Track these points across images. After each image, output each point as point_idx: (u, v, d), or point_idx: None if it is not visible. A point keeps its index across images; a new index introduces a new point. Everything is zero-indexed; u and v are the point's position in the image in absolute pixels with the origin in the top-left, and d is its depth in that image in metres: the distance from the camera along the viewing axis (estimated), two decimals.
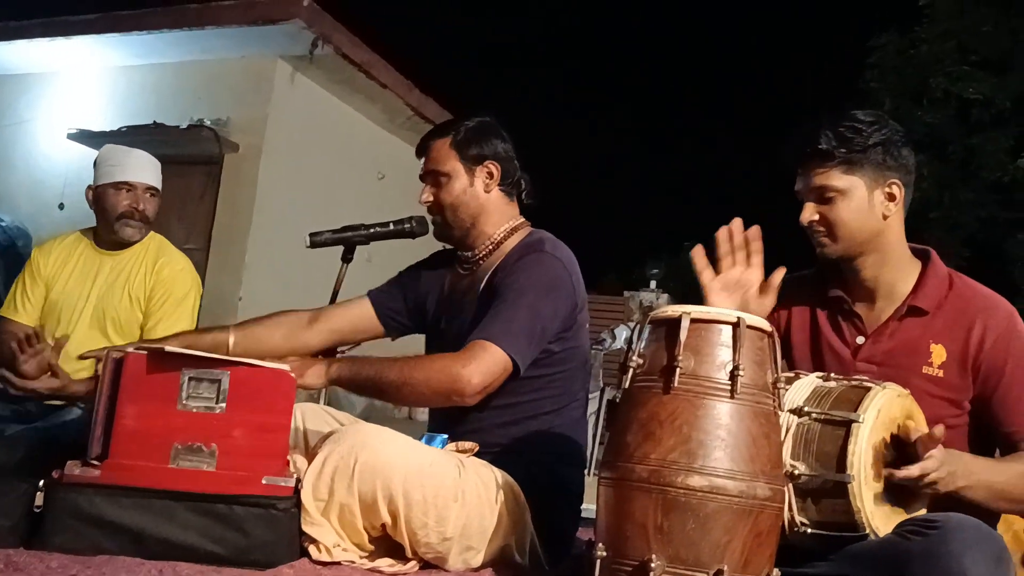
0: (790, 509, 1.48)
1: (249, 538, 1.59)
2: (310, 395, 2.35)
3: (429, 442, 1.85)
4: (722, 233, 1.78)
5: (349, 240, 2.37)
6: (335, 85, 7.67)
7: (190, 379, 1.63)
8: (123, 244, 2.69)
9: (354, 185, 7.99)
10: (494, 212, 2.10)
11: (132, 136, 6.64)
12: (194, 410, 1.62)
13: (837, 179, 1.73)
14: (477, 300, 2.03)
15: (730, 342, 1.39)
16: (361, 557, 1.69)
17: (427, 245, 2.31)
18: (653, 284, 10.01)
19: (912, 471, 1.43)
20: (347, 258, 2.46)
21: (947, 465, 1.47)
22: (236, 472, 1.61)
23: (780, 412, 1.44)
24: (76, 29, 7.33)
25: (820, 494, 1.48)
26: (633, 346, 1.46)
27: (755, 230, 1.79)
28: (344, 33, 7.08)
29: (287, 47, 7.03)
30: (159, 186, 2.75)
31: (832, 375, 1.64)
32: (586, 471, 2.17)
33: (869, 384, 1.55)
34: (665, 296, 9.59)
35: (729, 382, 1.37)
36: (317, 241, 2.33)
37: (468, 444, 1.86)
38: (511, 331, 1.87)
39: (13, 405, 2.42)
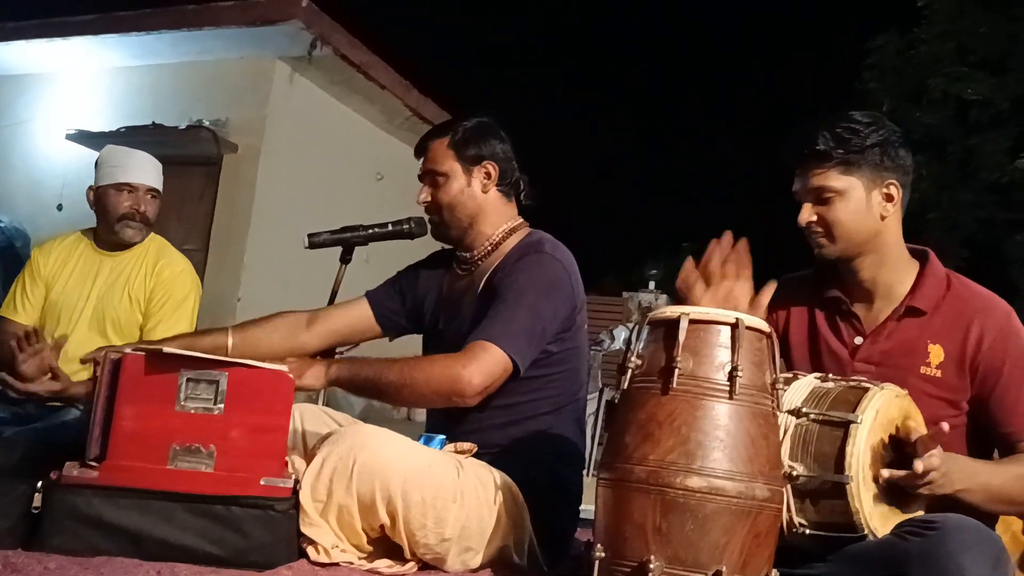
0: (788, 510, 1.48)
1: (247, 539, 1.59)
2: (308, 396, 2.35)
3: (427, 443, 1.85)
4: (712, 246, 1.76)
5: (348, 241, 2.37)
6: (334, 86, 7.67)
7: (188, 380, 1.63)
8: (123, 245, 2.69)
9: (353, 186, 7.99)
10: (492, 212, 2.10)
11: (131, 137, 6.64)
12: (192, 411, 1.62)
13: (835, 180, 1.74)
14: (476, 301, 2.03)
15: (729, 343, 1.39)
16: (360, 558, 1.69)
17: (426, 246, 2.31)
18: (652, 285, 10.01)
19: (916, 466, 1.42)
20: (346, 259, 2.46)
21: (944, 466, 1.47)
22: (234, 473, 1.61)
23: (779, 413, 1.44)
24: (74, 30, 7.33)
25: (818, 495, 1.48)
26: (632, 347, 1.46)
27: (743, 243, 1.76)
28: (343, 34, 7.08)
29: (286, 48, 7.03)
30: (160, 188, 2.74)
31: (830, 376, 1.64)
32: (585, 472, 2.17)
33: (867, 385, 1.55)
34: (664, 297, 9.58)
35: (728, 383, 1.37)
36: (316, 242, 2.33)
37: (467, 445, 1.86)
38: (511, 331, 1.87)
39: (12, 407, 2.42)
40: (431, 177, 2.10)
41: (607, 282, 11.55)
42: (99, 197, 2.69)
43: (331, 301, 2.37)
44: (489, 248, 2.09)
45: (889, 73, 11.47)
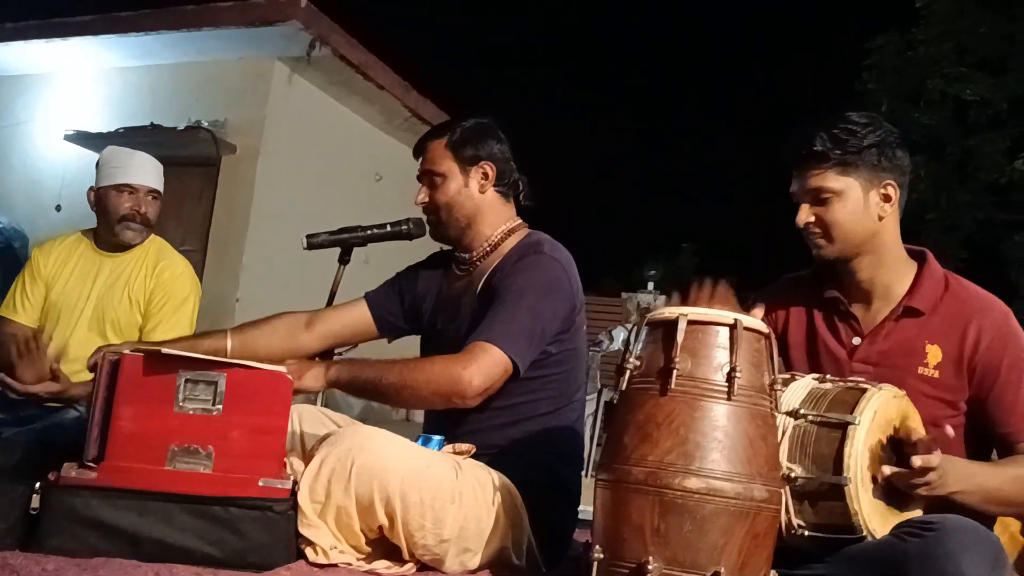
0: (787, 511, 1.48)
1: (246, 540, 1.59)
2: (307, 397, 2.35)
3: (425, 443, 1.85)
4: (694, 293, 1.71)
5: (346, 242, 2.37)
6: (332, 86, 7.67)
7: (186, 381, 1.63)
8: (123, 246, 2.69)
9: (351, 186, 7.99)
10: (490, 213, 2.10)
11: (129, 137, 6.64)
12: (191, 412, 1.62)
13: (832, 180, 1.74)
14: (475, 301, 2.03)
15: (727, 344, 1.39)
16: (358, 559, 1.69)
17: (424, 247, 2.31)
18: (651, 286, 10.01)
19: (915, 461, 1.42)
20: (344, 260, 2.46)
21: (941, 467, 1.47)
22: (233, 474, 1.61)
23: (777, 414, 1.44)
24: (73, 30, 7.33)
25: (817, 496, 1.48)
26: (630, 348, 1.46)
27: (723, 285, 1.71)
28: (341, 34, 7.08)
29: (284, 48, 7.03)
30: (161, 189, 2.74)
31: (828, 376, 1.64)
32: (583, 473, 2.17)
33: (865, 385, 1.55)
34: (663, 298, 9.58)
35: (726, 384, 1.37)
36: (314, 243, 2.33)
37: (465, 446, 1.86)
38: (511, 332, 1.87)
39: (10, 407, 2.41)
40: (429, 177, 2.10)
41: (606, 283, 11.56)
42: (100, 198, 2.68)
43: (330, 302, 2.37)
44: (488, 249, 2.09)
45: (888, 73, 11.47)
